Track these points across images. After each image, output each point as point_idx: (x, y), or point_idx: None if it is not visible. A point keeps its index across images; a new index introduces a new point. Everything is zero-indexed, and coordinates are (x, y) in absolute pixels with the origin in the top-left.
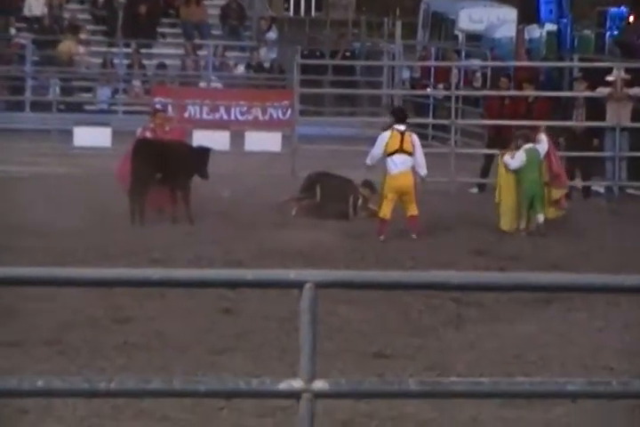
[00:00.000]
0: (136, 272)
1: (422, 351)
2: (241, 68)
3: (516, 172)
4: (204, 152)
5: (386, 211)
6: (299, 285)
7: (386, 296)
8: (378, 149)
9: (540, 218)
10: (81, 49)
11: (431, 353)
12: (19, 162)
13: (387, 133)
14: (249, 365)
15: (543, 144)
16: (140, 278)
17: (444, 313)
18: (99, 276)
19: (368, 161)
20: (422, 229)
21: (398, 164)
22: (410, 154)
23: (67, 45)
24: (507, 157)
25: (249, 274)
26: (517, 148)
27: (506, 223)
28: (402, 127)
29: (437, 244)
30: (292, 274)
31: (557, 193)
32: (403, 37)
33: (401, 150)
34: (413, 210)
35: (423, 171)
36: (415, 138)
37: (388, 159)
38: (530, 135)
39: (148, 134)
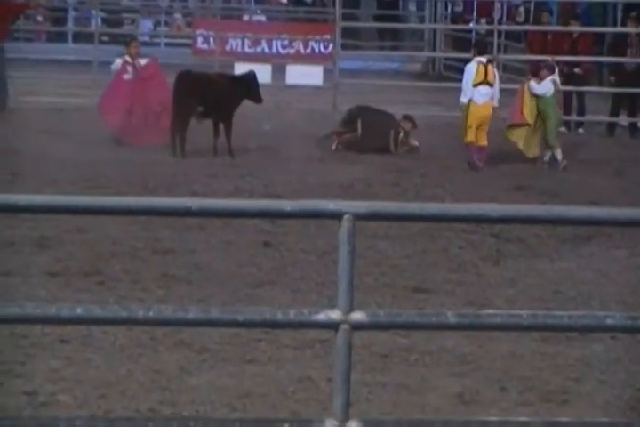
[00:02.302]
0: (175, 202)
1: (461, 287)
2: (284, 0)
3: (540, 101)
4: (249, 77)
5: (472, 137)
6: (337, 216)
7: (425, 232)
8: (469, 83)
9: (559, 152)
10: None
11: (470, 289)
12: (60, 93)
13: (473, 65)
14: (288, 298)
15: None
16: (179, 208)
17: (484, 249)
18: (137, 204)
19: (463, 98)
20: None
21: (484, 94)
22: (491, 85)
23: None
24: (533, 83)
25: (287, 205)
26: (543, 77)
27: (535, 151)
28: (484, 59)
29: (478, 179)
30: (330, 205)
31: None
32: None
33: (485, 82)
34: (484, 140)
35: (497, 103)
36: (495, 70)
37: (475, 90)
38: (555, 66)
39: (126, 66)
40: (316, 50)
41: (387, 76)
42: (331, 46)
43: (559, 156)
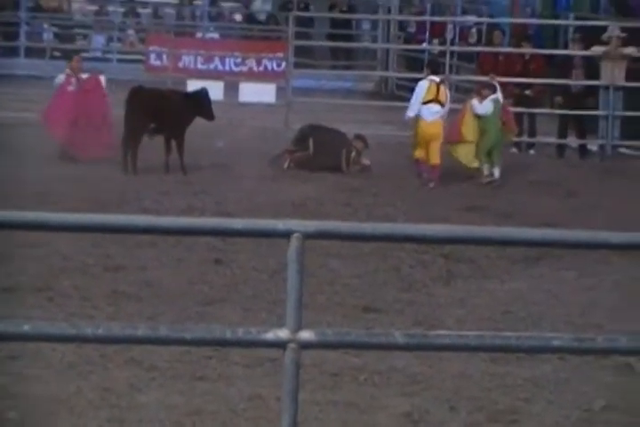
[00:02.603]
0: (125, 219)
1: (412, 306)
2: (238, 17)
3: (481, 120)
4: (201, 94)
5: (421, 153)
6: (286, 234)
7: (377, 251)
8: (418, 99)
9: (497, 171)
10: None
11: (420, 308)
12: (11, 108)
13: (425, 83)
14: (238, 316)
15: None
16: (129, 225)
17: (435, 269)
18: (87, 221)
19: (410, 113)
20: (438, 179)
21: (433, 112)
22: (442, 104)
23: None
24: (475, 102)
25: (238, 223)
26: (484, 97)
27: (471, 159)
28: (437, 79)
29: (430, 199)
30: (280, 224)
31: (509, 136)
32: None
33: (436, 100)
34: (436, 159)
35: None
36: (447, 91)
37: (424, 107)
38: (496, 86)
39: (70, 78)
40: (269, 68)
41: (339, 94)
42: (284, 64)
43: (497, 173)
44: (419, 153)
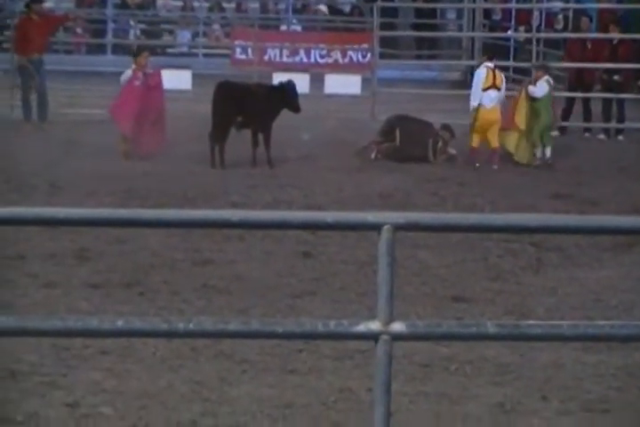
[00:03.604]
0: (215, 214)
1: (502, 296)
2: (323, 9)
3: (537, 103)
4: (288, 87)
5: (491, 140)
6: (377, 227)
7: (465, 241)
8: (479, 86)
9: (549, 152)
10: None
11: (511, 297)
12: (99, 105)
13: (482, 71)
14: (328, 308)
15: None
16: (220, 220)
17: (524, 258)
18: (178, 217)
19: (474, 102)
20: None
21: (493, 98)
22: (499, 89)
23: None
24: (531, 87)
25: (328, 216)
26: (536, 79)
27: (524, 156)
28: (491, 64)
29: (516, 187)
30: (370, 216)
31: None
32: None
33: (494, 86)
34: (496, 143)
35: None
36: (503, 75)
37: (484, 94)
38: (548, 67)
39: (137, 73)
40: (355, 59)
41: (425, 84)
42: (369, 55)
43: (548, 154)
44: (476, 141)
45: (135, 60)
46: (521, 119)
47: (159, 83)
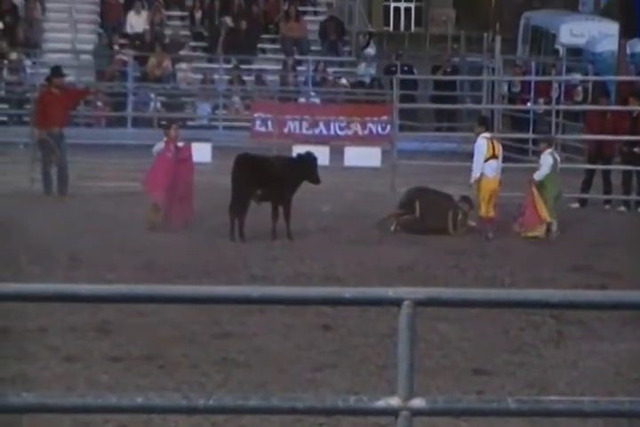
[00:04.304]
0: (236, 289)
1: (522, 368)
2: (344, 81)
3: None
4: (308, 159)
5: (489, 209)
6: (397, 302)
7: (485, 313)
8: (480, 158)
9: (555, 225)
10: (183, 65)
11: (531, 370)
12: (119, 177)
13: (482, 142)
14: (348, 381)
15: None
16: (240, 296)
17: (545, 330)
18: (198, 293)
19: (476, 174)
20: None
21: (494, 168)
22: (497, 159)
23: (152, 61)
24: (535, 175)
25: (347, 292)
26: (540, 151)
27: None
28: (489, 135)
29: (536, 259)
30: (390, 292)
31: None
32: (502, 52)
33: (494, 156)
34: (492, 212)
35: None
36: (499, 144)
37: (485, 165)
38: (552, 140)
39: (169, 145)
40: (374, 131)
41: (444, 156)
42: (388, 127)
43: (554, 227)
44: (485, 210)
45: (166, 132)
46: (545, 212)
47: (189, 156)
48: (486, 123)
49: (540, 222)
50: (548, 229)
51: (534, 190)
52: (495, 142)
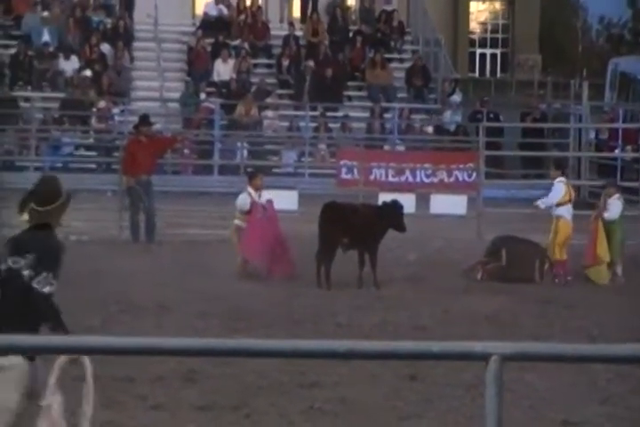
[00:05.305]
0: (323, 344)
1: (611, 420)
2: (430, 130)
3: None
4: (393, 206)
5: (562, 253)
6: (484, 357)
7: (573, 364)
8: (555, 200)
9: (620, 268)
10: (269, 113)
11: (621, 422)
12: (206, 225)
13: (561, 185)
14: None
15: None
16: (327, 350)
17: (634, 381)
18: (285, 347)
19: (542, 204)
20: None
21: (571, 212)
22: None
23: (240, 109)
24: (606, 214)
25: (435, 346)
26: (608, 196)
27: (605, 277)
28: (564, 179)
29: (625, 311)
30: (477, 346)
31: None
32: (590, 98)
33: (569, 200)
34: (565, 255)
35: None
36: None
37: (564, 208)
38: (618, 188)
39: (256, 207)
40: (460, 178)
41: (531, 204)
42: (474, 175)
43: (619, 271)
44: (560, 254)
45: (251, 182)
46: (604, 252)
47: (275, 213)
48: (563, 167)
49: (598, 262)
50: (614, 274)
51: (600, 230)
52: (570, 186)
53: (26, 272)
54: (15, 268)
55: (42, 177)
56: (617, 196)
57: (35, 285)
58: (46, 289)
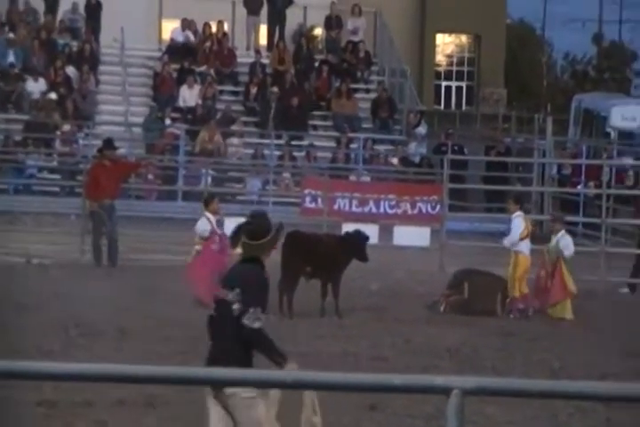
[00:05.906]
0: (270, 374)
1: None
2: (394, 161)
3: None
4: (357, 237)
5: (522, 287)
6: (445, 391)
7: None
8: (517, 235)
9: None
10: (234, 140)
11: None
12: (169, 251)
13: (520, 220)
14: None
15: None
16: (275, 380)
17: (594, 417)
18: (232, 376)
19: (508, 243)
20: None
21: (529, 247)
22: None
23: (203, 135)
24: (566, 252)
25: (396, 379)
26: (554, 231)
27: (569, 311)
28: (522, 213)
29: (586, 344)
30: (438, 380)
31: None
32: (553, 133)
33: (527, 235)
34: (526, 289)
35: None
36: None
37: (523, 243)
38: (563, 223)
39: (214, 236)
40: (424, 210)
41: (494, 237)
42: (438, 207)
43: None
44: (519, 288)
45: (207, 207)
46: (571, 285)
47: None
48: (521, 202)
49: (569, 296)
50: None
51: (563, 267)
52: (529, 222)
53: (235, 306)
54: (227, 300)
55: (252, 212)
56: (562, 232)
57: (245, 321)
58: (256, 325)
